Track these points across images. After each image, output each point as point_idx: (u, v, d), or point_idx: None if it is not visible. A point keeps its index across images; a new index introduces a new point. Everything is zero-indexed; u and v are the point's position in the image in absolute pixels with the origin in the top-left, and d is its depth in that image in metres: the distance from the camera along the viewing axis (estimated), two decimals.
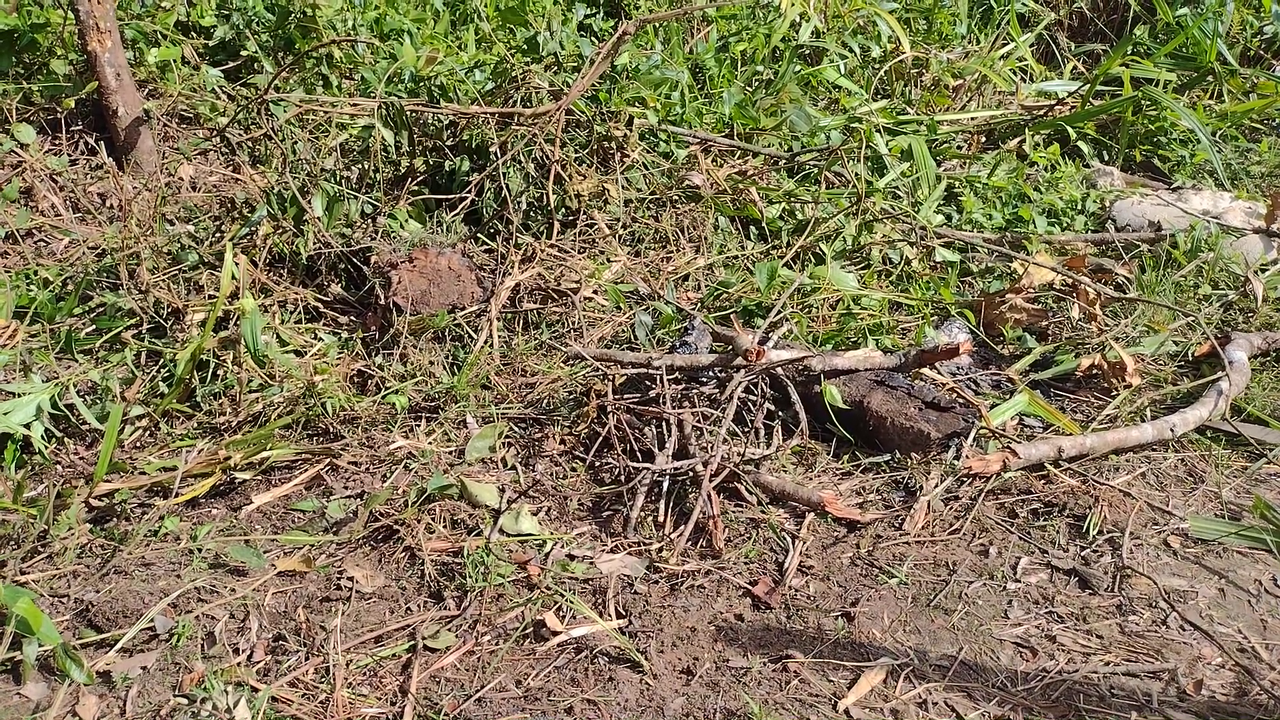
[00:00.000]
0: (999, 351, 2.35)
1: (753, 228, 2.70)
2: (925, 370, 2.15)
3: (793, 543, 1.71)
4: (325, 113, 2.67)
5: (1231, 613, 1.58)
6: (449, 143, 2.54)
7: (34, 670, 1.44)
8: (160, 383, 2.04)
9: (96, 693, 1.42)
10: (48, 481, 1.81)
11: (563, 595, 1.59)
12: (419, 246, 2.28)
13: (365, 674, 1.46)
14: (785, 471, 1.92)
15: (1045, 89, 3.64)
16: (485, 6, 3.40)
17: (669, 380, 2.02)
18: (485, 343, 2.22)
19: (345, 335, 2.24)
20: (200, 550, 1.69)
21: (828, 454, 1.97)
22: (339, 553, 1.70)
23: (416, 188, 2.52)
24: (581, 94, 2.53)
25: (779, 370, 2.04)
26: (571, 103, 2.49)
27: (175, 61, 2.87)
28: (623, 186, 2.63)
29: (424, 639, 1.51)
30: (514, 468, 1.92)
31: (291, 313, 2.25)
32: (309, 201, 2.30)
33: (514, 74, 2.60)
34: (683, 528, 1.72)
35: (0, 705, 1.39)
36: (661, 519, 1.76)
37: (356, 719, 1.38)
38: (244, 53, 2.94)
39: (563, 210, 2.54)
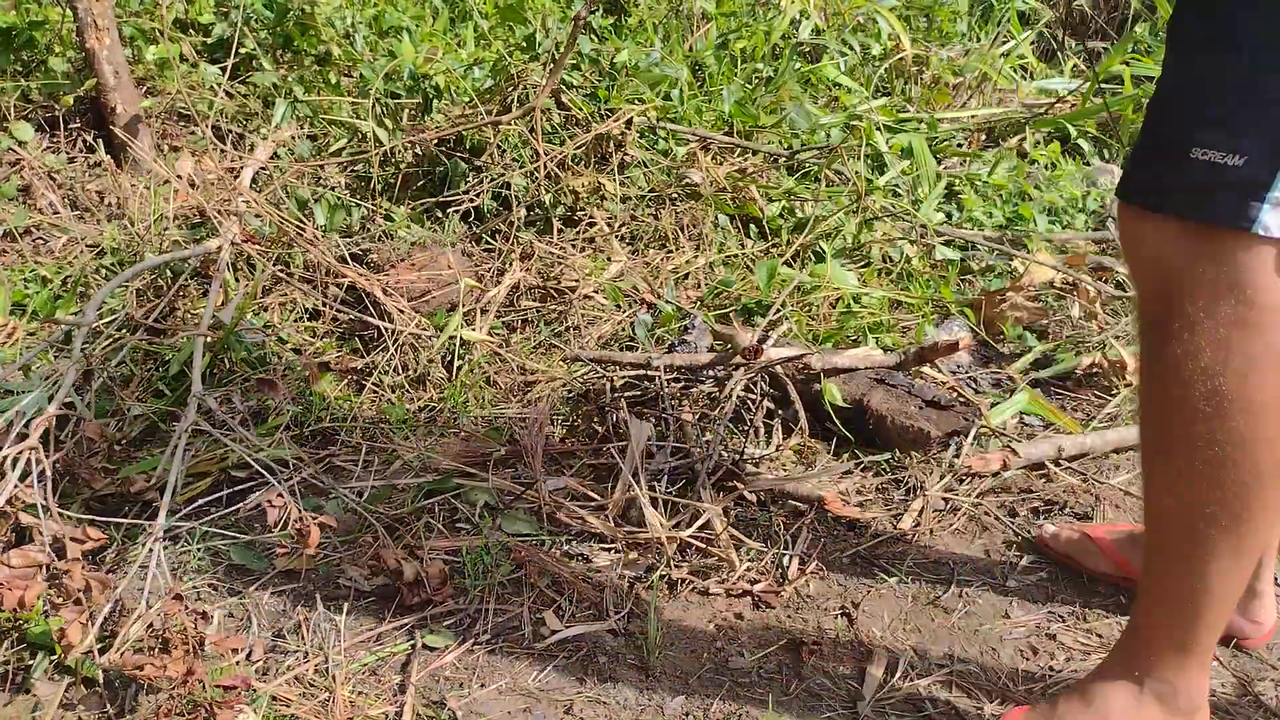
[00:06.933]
0: (999, 350, 2.35)
1: (752, 226, 2.70)
2: (925, 368, 2.15)
3: (792, 541, 1.71)
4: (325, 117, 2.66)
5: None
6: (443, 148, 2.53)
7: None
8: (159, 381, 2.04)
9: (96, 691, 1.41)
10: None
11: (561, 594, 1.59)
12: (418, 245, 2.28)
13: (365, 672, 1.46)
14: (785, 470, 1.92)
15: (1046, 87, 3.63)
16: (484, 3, 3.39)
17: (668, 379, 2.02)
18: (484, 341, 2.22)
19: (344, 334, 2.24)
20: (198, 549, 1.68)
21: (827, 452, 1.97)
22: (337, 552, 1.70)
23: (416, 191, 2.50)
24: (551, 91, 2.51)
25: (778, 368, 2.04)
26: (544, 102, 2.48)
27: (174, 59, 2.86)
28: (622, 184, 2.62)
29: (423, 638, 1.50)
30: (513, 466, 1.92)
31: (291, 311, 2.25)
32: (309, 214, 2.30)
33: (511, 71, 2.59)
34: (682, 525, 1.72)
35: (3, 702, 1.39)
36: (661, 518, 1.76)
37: (358, 718, 1.38)
38: (243, 50, 2.93)
39: (560, 208, 2.53)
